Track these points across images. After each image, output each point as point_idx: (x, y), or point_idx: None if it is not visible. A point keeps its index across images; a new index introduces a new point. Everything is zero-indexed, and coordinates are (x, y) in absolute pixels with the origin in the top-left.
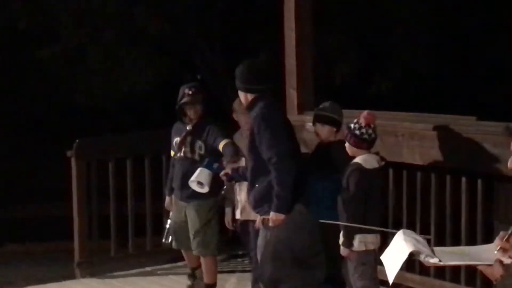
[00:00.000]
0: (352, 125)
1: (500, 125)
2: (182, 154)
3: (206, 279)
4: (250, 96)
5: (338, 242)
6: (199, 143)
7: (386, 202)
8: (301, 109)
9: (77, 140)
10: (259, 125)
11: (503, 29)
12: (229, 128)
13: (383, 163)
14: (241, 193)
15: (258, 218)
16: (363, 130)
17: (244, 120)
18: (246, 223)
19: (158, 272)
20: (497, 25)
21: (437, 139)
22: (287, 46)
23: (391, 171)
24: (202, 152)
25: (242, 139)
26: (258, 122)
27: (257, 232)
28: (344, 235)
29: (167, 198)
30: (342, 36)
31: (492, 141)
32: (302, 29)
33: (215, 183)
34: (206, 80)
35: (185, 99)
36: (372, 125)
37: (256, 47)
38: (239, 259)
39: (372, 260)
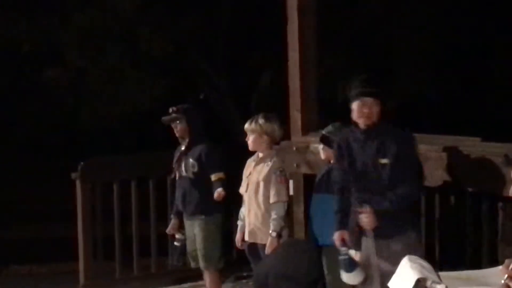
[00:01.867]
0: None
1: (504, 146)
2: (178, 173)
3: None
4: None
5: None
6: (191, 161)
7: None
8: (305, 130)
9: (81, 163)
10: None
11: (509, 47)
12: (235, 150)
13: None
14: (250, 215)
15: None
16: None
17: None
18: (254, 245)
19: None
20: (504, 43)
21: (442, 160)
22: (291, 67)
23: None
24: (196, 170)
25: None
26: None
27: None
28: None
29: (171, 221)
30: (345, 56)
31: (497, 162)
32: (306, 50)
33: (218, 201)
34: (209, 100)
35: (165, 117)
36: None
37: (259, 67)
38: (243, 281)
39: None
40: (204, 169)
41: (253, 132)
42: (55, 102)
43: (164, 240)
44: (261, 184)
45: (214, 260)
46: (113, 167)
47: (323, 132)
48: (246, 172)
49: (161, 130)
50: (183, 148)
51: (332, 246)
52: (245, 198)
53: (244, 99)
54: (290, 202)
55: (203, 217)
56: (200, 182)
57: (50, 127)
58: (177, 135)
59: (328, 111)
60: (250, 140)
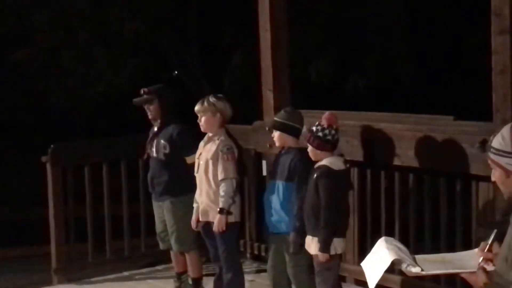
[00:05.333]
0: (314, 128)
1: (477, 124)
2: (150, 154)
3: (191, 274)
4: None
5: None
6: (162, 142)
7: (365, 202)
8: (278, 110)
9: (51, 146)
10: None
11: (479, 26)
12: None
13: (348, 165)
14: (202, 194)
15: None
16: (326, 132)
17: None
18: (208, 225)
19: (136, 277)
20: (473, 21)
21: (415, 139)
22: (262, 47)
23: (368, 172)
24: (167, 151)
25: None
26: None
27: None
28: (321, 241)
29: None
30: (318, 34)
31: (470, 141)
32: (277, 30)
33: (189, 181)
34: (181, 79)
35: (136, 99)
36: (334, 126)
37: (231, 46)
38: None
39: (336, 265)
40: (176, 150)
41: (205, 112)
42: (26, 83)
43: (137, 223)
44: (210, 163)
45: (188, 242)
46: (83, 151)
47: (276, 118)
48: (197, 153)
49: (135, 110)
50: (155, 129)
51: (283, 234)
52: (197, 179)
53: (216, 79)
54: (260, 182)
55: (172, 199)
56: (171, 163)
57: (21, 109)
58: (150, 117)
59: (300, 89)
60: (203, 121)
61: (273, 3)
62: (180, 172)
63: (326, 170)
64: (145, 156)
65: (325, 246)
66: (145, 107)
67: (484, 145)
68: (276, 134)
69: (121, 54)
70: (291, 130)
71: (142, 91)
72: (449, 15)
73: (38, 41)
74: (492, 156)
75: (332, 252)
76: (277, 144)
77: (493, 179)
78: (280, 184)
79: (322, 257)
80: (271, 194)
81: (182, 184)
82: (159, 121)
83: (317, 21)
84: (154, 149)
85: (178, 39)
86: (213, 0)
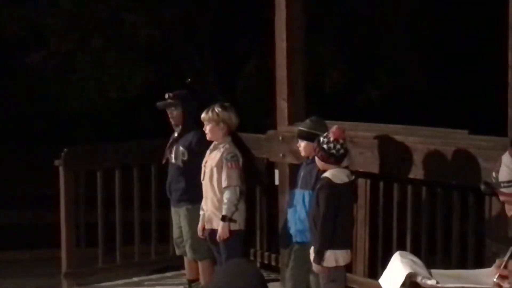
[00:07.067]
0: (321, 139)
1: (492, 139)
2: (169, 159)
3: (202, 282)
4: None
5: None
6: (181, 149)
7: (376, 214)
8: (292, 120)
9: (65, 149)
10: None
11: (495, 39)
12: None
13: (353, 177)
14: (207, 201)
15: None
16: (331, 145)
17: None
18: (213, 232)
19: (146, 283)
20: (489, 35)
21: (428, 152)
22: (278, 57)
23: (381, 184)
24: (186, 158)
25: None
26: None
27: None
28: (314, 251)
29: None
30: (333, 45)
31: (484, 156)
32: (294, 40)
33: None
34: (194, 86)
35: (160, 102)
36: (340, 140)
37: (245, 54)
38: None
39: (342, 276)
40: (195, 157)
41: (210, 121)
42: (40, 87)
43: (148, 229)
44: (214, 170)
45: (202, 250)
46: (96, 155)
47: (302, 128)
48: (203, 161)
49: (147, 116)
50: (176, 135)
51: (308, 243)
52: (203, 186)
53: (229, 87)
54: (272, 192)
55: (189, 206)
56: (189, 170)
57: (33, 112)
58: (172, 122)
59: (314, 99)
60: (208, 129)
61: (290, 13)
62: (197, 179)
63: (327, 182)
64: (164, 161)
65: (317, 257)
66: (168, 111)
67: (489, 185)
68: (302, 144)
69: (134, 60)
70: (313, 137)
71: (167, 95)
72: (463, 27)
73: (52, 45)
74: (504, 190)
75: (333, 264)
76: (303, 154)
77: (509, 214)
78: (306, 193)
79: (315, 268)
80: (296, 204)
81: (199, 191)
82: (180, 127)
83: (331, 32)
84: (173, 155)
85: (192, 46)
86: (227, 8)
